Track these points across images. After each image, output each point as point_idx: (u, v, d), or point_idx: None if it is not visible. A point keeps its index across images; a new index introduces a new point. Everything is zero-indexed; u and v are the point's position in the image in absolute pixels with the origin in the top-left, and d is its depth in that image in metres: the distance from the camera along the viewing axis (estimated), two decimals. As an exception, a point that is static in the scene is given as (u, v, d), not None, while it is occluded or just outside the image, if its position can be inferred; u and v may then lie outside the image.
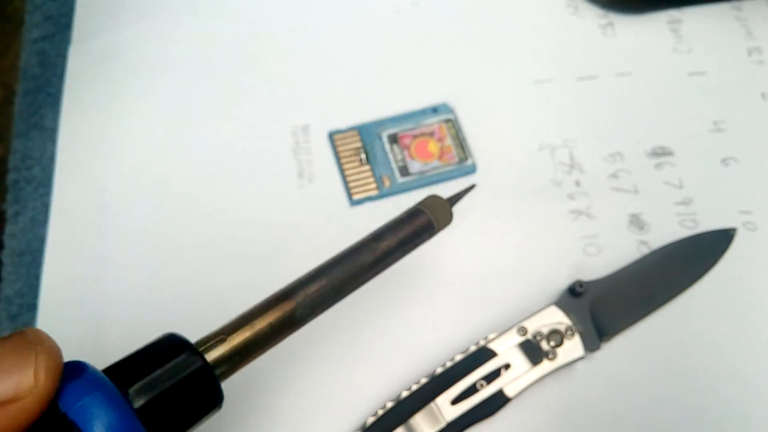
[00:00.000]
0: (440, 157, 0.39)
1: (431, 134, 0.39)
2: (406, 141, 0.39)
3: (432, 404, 0.32)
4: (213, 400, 0.22)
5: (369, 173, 0.38)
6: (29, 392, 0.18)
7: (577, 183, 0.39)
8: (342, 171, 0.38)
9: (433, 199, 0.29)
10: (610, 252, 0.37)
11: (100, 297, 0.35)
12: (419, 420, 0.31)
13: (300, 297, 0.25)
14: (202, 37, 0.42)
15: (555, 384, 0.34)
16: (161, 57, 0.41)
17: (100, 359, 0.34)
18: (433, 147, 0.39)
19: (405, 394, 0.32)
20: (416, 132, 0.40)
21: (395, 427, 0.31)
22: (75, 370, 0.21)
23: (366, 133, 0.39)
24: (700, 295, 0.36)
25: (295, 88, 0.41)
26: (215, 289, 0.36)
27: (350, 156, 0.39)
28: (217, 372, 0.22)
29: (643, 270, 0.36)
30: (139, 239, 0.36)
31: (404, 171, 0.38)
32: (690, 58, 0.43)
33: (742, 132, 0.41)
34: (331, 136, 0.39)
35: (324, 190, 0.38)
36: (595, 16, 0.44)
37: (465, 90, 0.41)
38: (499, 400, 0.32)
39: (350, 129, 0.39)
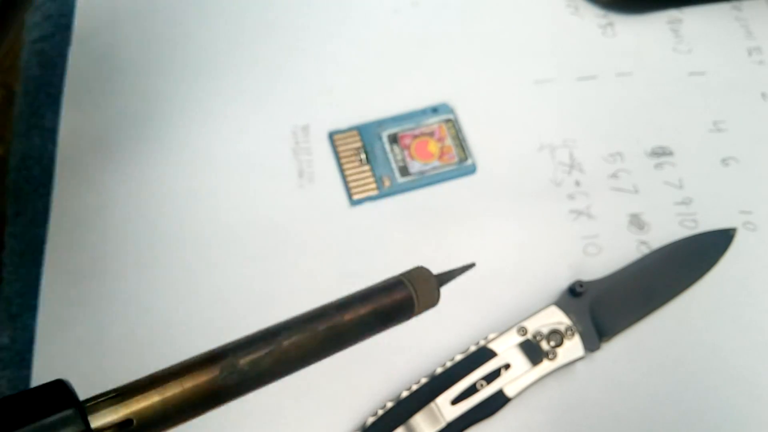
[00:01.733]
0: (440, 157, 0.39)
1: (431, 134, 0.39)
2: (406, 141, 0.39)
3: (432, 404, 0.32)
4: None
5: (369, 173, 0.38)
6: None
7: (577, 183, 0.39)
8: (342, 171, 0.38)
9: (419, 271, 0.24)
10: (610, 252, 0.37)
11: (100, 297, 0.35)
12: (419, 420, 0.31)
13: (228, 363, 0.20)
14: (202, 37, 0.42)
15: (555, 384, 0.34)
16: (161, 57, 0.41)
17: (100, 360, 0.34)
18: (433, 147, 0.39)
19: (405, 393, 0.32)
20: (416, 132, 0.40)
21: (395, 427, 0.31)
22: None
23: (366, 133, 0.39)
24: (700, 295, 0.36)
25: (295, 88, 0.41)
26: (215, 288, 0.36)
27: (350, 156, 0.39)
28: None
29: (643, 270, 0.36)
30: (140, 239, 0.36)
31: (404, 171, 0.38)
32: (690, 58, 0.43)
33: (742, 132, 0.41)
34: (331, 136, 0.39)
35: (324, 190, 0.38)
36: (595, 16, 0.44)
37: (465, 90, 0.41)
38: (499, 400, 0.32)
39: (350, 129, 0.39)
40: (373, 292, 0.23)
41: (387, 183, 0.38)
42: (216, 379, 0.19)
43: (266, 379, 0.21)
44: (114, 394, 0.19)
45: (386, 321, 0.23)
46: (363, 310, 0.22)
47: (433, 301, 0.24)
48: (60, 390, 0.18)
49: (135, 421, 0.18)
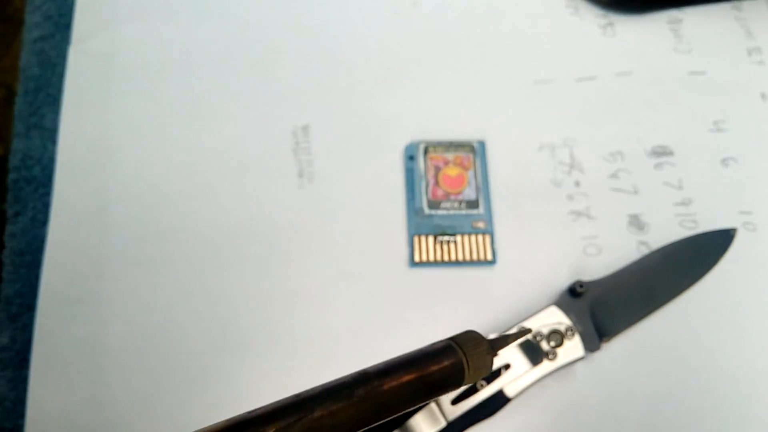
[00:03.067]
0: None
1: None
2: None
3: (432, 404, 0.32)
4: None
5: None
6: None
7: (577, 183, 0.39)
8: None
9: (470, 335, 0.22)
10: (610, 252, 0.37)
11: (99, 297, 0.35)
12: (419, 420, 0.31)
13: None
14: (202, 36, 0.42)
15: (555, 384, 0.34)
16: (161, 57, 0.41)
17: (99, 360, 0.34)
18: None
19: (405, 394, 0.32)
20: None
21: (395, 427, 0.31)
22: None
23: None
24: (700, 296, 0.36)
25: (295, 88, 0.41)
26: (215, 288, 0.36)
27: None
28: None
29: (643, 270, 0.36)
30: (139, 239, 0.36)
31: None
32: (690, 58, 0.43)
33: (742, 132, 0.41)
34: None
35: (324, 190, 0.38)
36: (595, 16, 0.44)
37: (464, 90, 0.41)
38: (499, 400, 0.32)
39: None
40: (418, 357, 0.20)
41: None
42: None
43: None
44: None
45: (432, 390, 0.20)
46: (407, 377, 0.20)
47: (485, 368, 0.21)
48: None
49: None
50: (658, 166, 0.39)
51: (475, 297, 0.36)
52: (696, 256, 0.37)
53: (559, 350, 0.33)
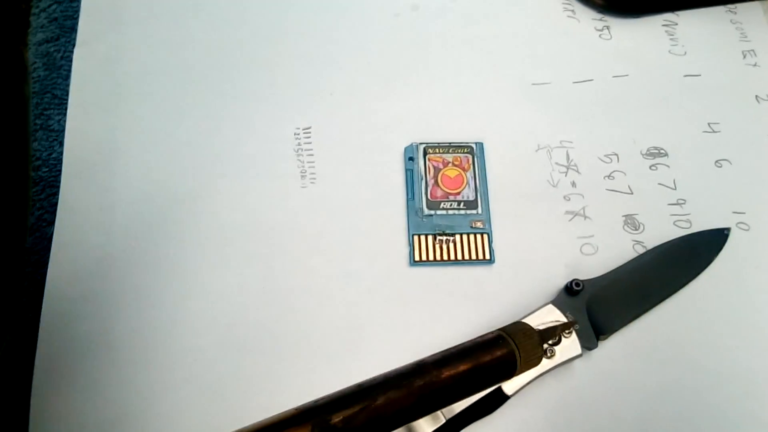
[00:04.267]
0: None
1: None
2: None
3: (432, 401, 0.32)
4: None
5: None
6: None
7: (574, 184, 0.39)
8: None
9: (520, 326, 0.23)
10: (606, 252, 0.37)
11: (104, 296, 0.36)
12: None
13: (320, 420, 0.18)
14: (206, 39, 0.42)
15: (553, 382, 0.34)
16: (165, 59, 0.41)
17: (104, 359, 0.34)
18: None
19: (405, 390, 0.32)
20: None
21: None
22: None
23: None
24: (695, 294, 0.37)
25: (297, 90, 0.41)
26: (218, 287, 0.36)
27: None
28: None
29: (638, 269, 0.37)
30: (144, 239, 0.37)
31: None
32: (685, 61, 0.43)
33: (735, 134, 0.41)
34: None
35: (325, 191, 0.39)
36: (592, 19, 0.45)
37: (463, 93, 0.42)
38: (497, 398, 0.32)
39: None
40: (471, 349, 0.22)
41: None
42: None
43: None
44: None
45: (487, 379, 0.22)
46: (462, 366, 0.22)
47: (536, 358, 0.23)
48: None
49: None
50: (653, 167, 0.40)
51: (474, 295, 0.36)
52: (690, 255, 0.37)
53: (556, 348, 0.33)
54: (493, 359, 0.21)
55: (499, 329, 0.22)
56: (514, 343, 0.22)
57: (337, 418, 0.18)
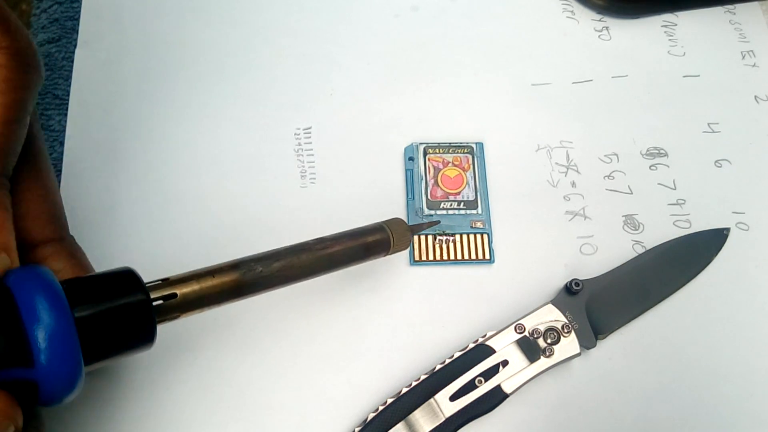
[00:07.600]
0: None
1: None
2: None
3: (431, 400, 0.32)
4: (147, 334, 0.24)
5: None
6: None
7: (573, 184, 0.39)
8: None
9: (397, 221, 0.32)
10: (606, 251, 0.38)
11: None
12: (419, 416, 0.32)
13: (248, 265, 0.27)
14: (207, 40, 0.42)
15: (552, 380, 0.34)
16: (166, 60, 0.42)
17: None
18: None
19: (405, 390, 0.32)
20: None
21: (395, 423, 0.32)
22: (33, 269, 0.23)
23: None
24: (694, 294, 0.37)
25: (297, 90, 0.41)
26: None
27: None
28: (158, 312, 0.25)
29: (638, 269, 0.37)
30: (145, 240, 0.37)
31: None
32: (684, 61, 0.44)
33: (734, 134, 0.41)
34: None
35: (326, 191, 0.39)
36: (591, 20, 0.45)
37: (463, 93, 0.42)
38: (497, 396, 0.32)
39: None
40: (360, 232, 0.31)
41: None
42: (238, 276, 0.26)
43: (276, 281, 0.28)
44: (160, 281, 0.25)
45: (368, 253, 0.31)
46: (351, 243, 0.30)
47: (405, 243, 0.32)
48: (128, 274, 0.25)
49: (178, 295, 0.25)
50: (652, 167, 0.40)
51: (474, 295, 0.36)
52: (690, 254, 0.37)
53: (555, 347, 0.33)
54: (374, 240, 0.31)
55: (381, 221, 0.31)
56: (389, 230, 0.31)
57: (258, 265, 0.27)
